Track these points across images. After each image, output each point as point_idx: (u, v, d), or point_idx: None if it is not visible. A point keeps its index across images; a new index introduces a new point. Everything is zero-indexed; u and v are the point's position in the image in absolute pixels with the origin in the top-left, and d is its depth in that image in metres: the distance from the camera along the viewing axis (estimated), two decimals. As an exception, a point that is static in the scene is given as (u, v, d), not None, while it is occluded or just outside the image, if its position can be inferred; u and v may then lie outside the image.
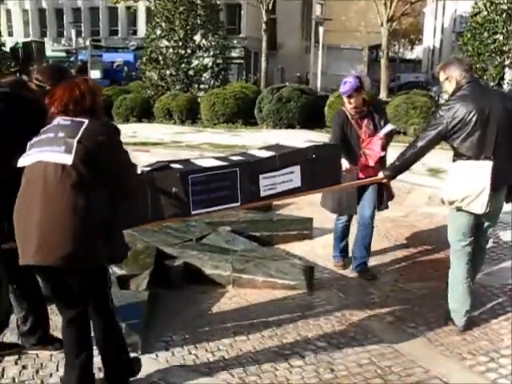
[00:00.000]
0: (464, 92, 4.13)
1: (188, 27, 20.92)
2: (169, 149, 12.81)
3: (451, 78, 4.23)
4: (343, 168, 4.96)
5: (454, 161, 4.23)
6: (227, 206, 4.03)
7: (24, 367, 3.88)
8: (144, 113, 19.02)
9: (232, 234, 6.30)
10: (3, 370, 3.86)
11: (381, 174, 4.83)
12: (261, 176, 4.03)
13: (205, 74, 21.43)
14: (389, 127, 5.38)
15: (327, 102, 15.92)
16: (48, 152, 3.00)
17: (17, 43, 37.82)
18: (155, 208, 3.76)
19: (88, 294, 3.31)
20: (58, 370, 3.81)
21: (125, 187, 3.26)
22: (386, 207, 5.71)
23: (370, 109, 5.49)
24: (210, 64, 21.47)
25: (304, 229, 6.88)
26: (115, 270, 5.06)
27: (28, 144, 3.13)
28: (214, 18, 21.90)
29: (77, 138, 2.98)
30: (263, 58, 27.68)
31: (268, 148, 4.63)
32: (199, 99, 18.66)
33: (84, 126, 3.03)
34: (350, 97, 5.32)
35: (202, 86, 21.33)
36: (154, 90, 20.72)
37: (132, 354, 3.78)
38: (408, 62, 68.28)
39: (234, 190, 3.94)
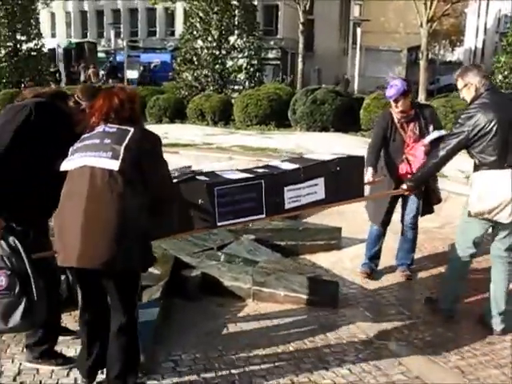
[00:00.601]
0: (484, 100, 4.09)
1: (223, 28, 20.73)
2: (199, 150, 12.57)
3: (470, 86, 4.19)
4: (365, 180, 4.88)
5: (475, 170, 4.20)
6: (252, 217, 4.02)
7: (22, 384, 3.65)
8: (177, 113, 18.85)
9: (255, 243, 6.00)
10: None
11: (404, 186, 4.70)
12: (286, 188, 4.01)
13: (239, 75, 21.21)
14: (435, 134, 5.04)
15: (363, 104, 15.46)
16: (94, 157, 3.05)
17: (70, 43, 38.25)
18: (182, 219, 3.76)
19: (118, 297, 3.26)
20: (57, 389, 3.57)
21: (162, 197, 3.29)
22: (430, 212, 5.55)
23: (417, 112, 5.22)
24: (245, 65, 21.23)
25: (332, 239, 6.54)
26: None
27: (70, 149, 3.20)
28: (249, 18, 21.65)
29: (124, 145, 3.05)
30: (300, 59, 27.22)
31: (292, 160, 4.56)
32: (232, 100, 18.40)
33: (130, 134, 3.10)
34: (396, 101, 5.11)
35: (236, 87, 21.12)
36: (188, 91, 20.55)
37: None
38: (448, 64, 66.72)
39: (259, 202, 3.92)
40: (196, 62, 20.73)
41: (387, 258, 5.76)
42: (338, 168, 4.22)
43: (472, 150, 4.13)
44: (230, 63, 21.14)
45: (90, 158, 3.07)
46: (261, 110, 16.71)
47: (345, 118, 15.65)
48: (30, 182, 3.43)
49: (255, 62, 21.73)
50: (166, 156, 9.60)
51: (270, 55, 36.39)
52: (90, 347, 3.48)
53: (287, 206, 4.06)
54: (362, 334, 4.37)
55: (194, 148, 12.97)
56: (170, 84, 23.69)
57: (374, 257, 5.66)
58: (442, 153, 4.24)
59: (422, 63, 22.78)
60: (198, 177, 3.95)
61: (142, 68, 38.10)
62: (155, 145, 3.24)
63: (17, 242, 3.18)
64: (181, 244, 5.87)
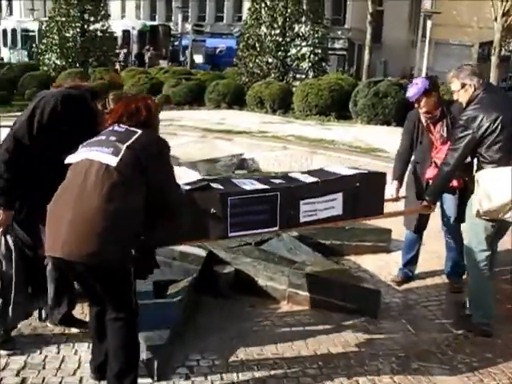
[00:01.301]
0: (483, 100, 4.02)
1: (288, 15, 20.27)
2: (253, 138, 12.25)
3: (468, 87, 4.08)
4: (389, 195, 4.77)
5: (479, 169, 4.11)
6: (265, 230, 3.87)
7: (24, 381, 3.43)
8: (236, 100, 18.54)
9: (296, 241, 5.62)
10: (1, 380, 3.43)
11: (425, 202, 4.50)
12: (301, 202, 3.85)
13: (302, 64, 20.72)
14: None
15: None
16: (96, 152, 3.03)
17: (145, 25, 38.53)
18: (193, 227, 3.62)
19: (108, 295, 3.15)
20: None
21: (166, 203, 3.19)
22: None
23: (443, 111, 4.78)
24: (308, 53, 20.74)
25: (380, 240, 6.11)
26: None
27: (80, 146, 3.18)
28: (315, 6, 21.08)
29: (127, 144, 3.00)
30: (366, 51, 26.41)
31: (312, 173, 4.30)
32: (293, 89, 17.95)
33: (137, 135, 3.05)
34: (417, 101, 4.74)
35: (298, 76, 20.64)
36: (249, 77, 20.19)
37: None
38: (524, 61, 63.95)
39: (273, 215, 3.77)
40: (258, 49, 20.34)
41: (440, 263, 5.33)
42: (358, 184, 4.03)
43: (477, 148, 4.04)
44: (293, 51, 20.68)
45: (91, 152, 3.05)
46: (321, 100, 16.20)
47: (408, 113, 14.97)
48: (42, 170, 3.52)
49: (319, 51, 21.16)
50: (218, 143, 9.45)
51: (337, 45, 35.62)
52: (99, 343, 3.34)
53: (302, 220, 3.89)
54: (401, 351, 3.94)
55: (249, 136, 12.64)
56: (231, 70, 23.41)
57: (410, 263, 5.24)
58: (453, 161, 4.13)
59: (494, 59, 21.68)
60: (212, 185, 3.79)
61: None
62: (162, 149, 3.16)
63: (12, 245, 3.57)
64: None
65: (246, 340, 4.06)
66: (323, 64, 21.81)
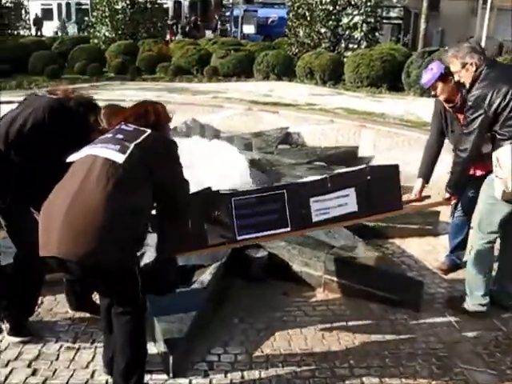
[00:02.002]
0: (489, 76, 3.75)
1: (339, -18, 19.53)
2: (300, 112, 11.79)
3: (469, 66, 3.81)
4: (412, 196, 4.57)
5: (497, 146, 3.75)
6: (277, 231, 3.59)
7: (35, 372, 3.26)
8: (285, 71, 18.01)
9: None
10: (11, 371, 3.26)
11: (447, 194, 4.20)
12: (311, 199, 3.64)
13: (354, 33, 19.97)
14: None
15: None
16: (101, 148, 2.85)
17: None
18: (197, 234, 3.37)
19: (111, 292, 2.98)
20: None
21: (175, 201, 3.06)
22: None
23: (464, 97, 4.22)
24: (360, 22, 19.96)
25: (427, 223, 5.70)
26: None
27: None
28: (368, -28, 20.22)
29: (135, 142, 2.83)
30: (423, 19, 25.34)
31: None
32: (344, 60, 17.33)
33: (145, 135, 2.89)
34: (433, 88, 4.34)
35: (349, 46, 19.93)
36: (299, 48, 19.58)
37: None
38: None
39: (283, 214, 3.57)
40: (309, 18, 19.69)
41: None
42: (369, 178, 3.79)
43: (492, 127, 3.76)
44: (344, 20, 19.92)
45: (96, 148, 2.87)
46: (373, 71, 15.52)
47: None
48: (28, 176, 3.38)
49: (372, 19, 20.35)
50: (264, 115, 9.08)
51: (392, 14, 34.33)
52: (110, 335, 3.14)
53: (315, 219, 3.66)
54: (443, 350, 3.58)
55: (296, 108, 12.19)
56: (281, 40, 22.82)
57: (458, 248, 4.83)
58: (469, 145, 3.84)
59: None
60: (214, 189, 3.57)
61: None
62: (170, 148, 3.00)
63: None
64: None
65: (274, 332, 3.79)
66: (376, 33, 20.99)
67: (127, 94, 13.67)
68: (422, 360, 3.47)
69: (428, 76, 4.34)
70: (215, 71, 18.27)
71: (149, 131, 2.91)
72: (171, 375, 3.21)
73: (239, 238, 3.45)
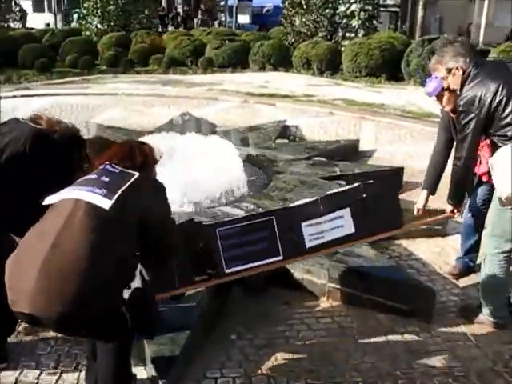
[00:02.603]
0: (476, 76, 3.52)
1: (336, -32, 19.13)
2: (297, 103, 11.45)
3: (455, 70, 3.60)
4: (415, 211, 4.28)
5: (493, 146, 3.53)
6: (268, 260, 3.38)
7: None
8: (282, 61, 17.63)
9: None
10: None
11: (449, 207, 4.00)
12: (303, 224, 3.43)
13: (351, 22, 19.57)
14: None
15: (488, 57, 13.61)
16: (85, 191, 2.54)
17: None
18: (182, 270, 3.18)
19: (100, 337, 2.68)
20: None
21: (165, 248, 2.82)
22: None
23: None
24: (358, 10, 19.56)
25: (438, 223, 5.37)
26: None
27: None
28: (365, -42, 19.80)
29: (123, 188, 2.56)
30: (420, 6, 24.89)
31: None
32: (342, 49, 16.95)
33: (133, 178, 2.63)
34: (439, 98, 3.85)
35: (347, 35, 19.56)
36: (296, 37, 19.22)
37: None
38: None
39: (273, 242, 3.36)
40: (305, 6, 19.28)
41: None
42: (365, 195, 3.57)
43: (488, 130, 3.53)
44: (341, 8, 19.52)
45: (78, 191, 2.57)
46: (371, 60, 15.17)
47: (466, 73, 13.88)
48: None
49: (369, 7, 19.95)
50: (261, 108, 8.73)
51: (389, 1, 33.88)
52: (94, 361, 2.84)
53: (309, 245, 3.46)
54: (460, 368, 3.27)
55: (293, 100, 11.84)
56: (277, 30, 22.41)
57: (471, 251, 4.51)
58: (463, 152, 3.64)
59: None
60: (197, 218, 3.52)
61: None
62: (159, 193, 2.77)
63: None
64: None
65: (275, 350, 3.48)
66: (374, 22, 20.59)
67: (120, 87, 13.34)
68: (438, 381, 3.16)
69: (433, 84, 3.83)
70: (210, 62, 17.88)
71: (136, 174, 2.65)
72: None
73: (227, 271, 3.24)
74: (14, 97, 12.12)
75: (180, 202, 5.49)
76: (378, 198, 3.62)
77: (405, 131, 8.74)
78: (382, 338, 3.62)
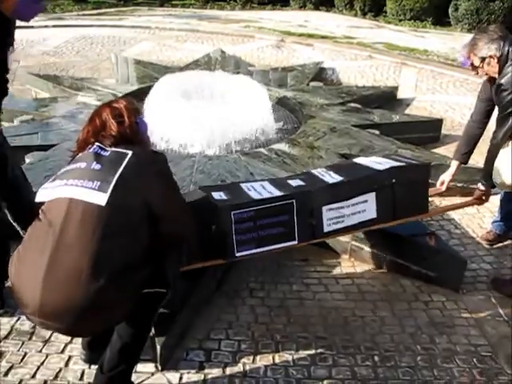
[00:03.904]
0: None
1: None
2: (336, 45, 10.91)
3: (488, 59, 3.39)
4: (438, 183, 4.03)
5: None
6: (281, 245, 3.07)
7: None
8: (323, 0, 16.94)
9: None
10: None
11: (480, 186, 3.75)
12: (324, 208, 3.11)
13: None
14: None
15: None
16: (76, 187, 2.22)
17: None
18: (191, 251, 2.89)
19: None
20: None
21: (178, 230, 2.45)
22: None
23: None
24: None
25: (473, 181, 4.98)
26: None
27: (53, 176, 2.37)
28: None
29: (117, 174, 2.22)
30: None
31: (338, 167, 3.52)
32: (388, -11, 16.10)
33: (127, 159, 2.28)
34: (474, 68, 3.53)
35: (394, -26, 18.58)
36: (340, -25, 18.39)
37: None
38: None
39: (290, 226, 3.05)
40: None
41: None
42: (394, 180, 3.27)
43: None
44: None
45: (70, 187, 2.23)
46: (417, 2, 14.34)
47: None
48: None
49: None
50: (298, 48, 8.30)
51: None
52: None
53: (327, 229, 3.16)
54: (487, 348, 2.98)
55: (332, 41, 11.29)
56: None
57: (509, 215, 4.11)
58: (503, 131, 3.39)
59: None
60: (213, 193, 3.08)
61: None
62: (162, 169, 2.40)
63: None
64: (271, 168, 4.68)
65: (288, 312, 3.25)
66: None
67: (153, 20, 12.94)
68: (461, 361, 2.88)
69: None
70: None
71: (130, 153, 2.29)
72: (159, 367, 2.70)
73: (238, 254, 2.96)
74: (46, 27, 11.85)
75: (203, 144, 5.22)
76: (408, 184, 3.32)
77: (447, 80, 8.22)
78: (404, 307, 3.34)
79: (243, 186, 3.27)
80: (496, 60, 3.36)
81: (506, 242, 4.09)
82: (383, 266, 3.78)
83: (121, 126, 2.38)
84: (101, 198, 2.16)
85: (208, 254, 2.99)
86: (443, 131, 6.39)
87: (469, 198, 3.98)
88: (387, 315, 3.25)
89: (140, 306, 2.29)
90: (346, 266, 3.82)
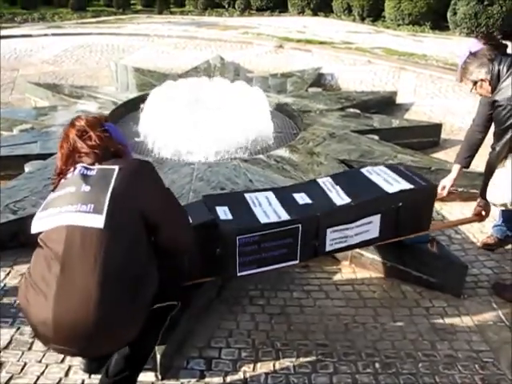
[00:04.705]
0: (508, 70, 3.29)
1: None
2: (335, 50, 10.93)
3: (480, 82, 3.42)
4: (440, 187, 3.97)
5: None
6: (282, 264, 3.08)
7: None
8: (322, 5, 16.88)
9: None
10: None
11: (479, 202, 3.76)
12: (329, 230, 3.10)
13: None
14: None
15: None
16: (71, 213, 2.15)
17: None
18: (193, 268, 2.88)
19: None
20: None
21: (179, 239, 2.41)
22: None
23: None
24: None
25: (474, 186, 4.98)
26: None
27: (43, 203, 2.30)
28: None
29: (109, 192, 2.17)
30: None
31: (346, 183, 3.42)
32: (386, -6, 16.14)
33: (115, 174, 2.22)
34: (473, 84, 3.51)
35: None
36: (338, -19, 18.45)
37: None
38: None
39: (293, 247, 3.05)
40: None
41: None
42: (401, 204, 3.25)
43: None
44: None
45: (65, 214, 2.16)
46: (416, 7, 14.39)
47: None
48: None
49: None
50: (296, 54, 8.30)
51: None
52: None
53: (328, 249, 3.16)
54: (489, 354, 2.96)
55: (330, 47, 11.31)
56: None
57: (510, 219, 4.06)
58: (501, 145, 3.36)
59: None
60: (218, 208, 3.07)
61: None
62: (151, 177, 2.33)
63: None
64: (271, 174, 4.68)
65: (289, 319, 3.23)
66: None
67: (152, 27, 12.98)
68: (463, 367, 2.85)
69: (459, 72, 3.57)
70: (248, 5, 17.30)
71: (116, 168, 2.23)
72: (159, 377, 2.69)
73: (239, 274, 2.98)
74: (45, 35, 11.89)
75: (202, 151, 5.22)
76: (413, 206, 3.31)
77: (446, 84, 8.22)
78: (405, 313, 3.33)
79: (247, 197, 3.26)
80: (487, 83, 3.37)
81: (507, 247, 4.07)
82: (384, 272, 3.76)
83: (89, 141, 2.33)
84: (98, 221, 2.12)
85: (209, 271, 3.00)
86: (443, 136, 6.40)
87: (469, 216, 3.98)
88: (388, 321, 3.24)
89: (151, 320, 2.28)
90: (347, 272, 3.80)
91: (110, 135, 2.40)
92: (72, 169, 2.29)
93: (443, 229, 3.97)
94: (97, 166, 2.27)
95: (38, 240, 2.21)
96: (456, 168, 3.96)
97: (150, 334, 2.37)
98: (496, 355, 2.96)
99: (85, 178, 2.24)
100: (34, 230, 2.24)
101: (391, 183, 3.35)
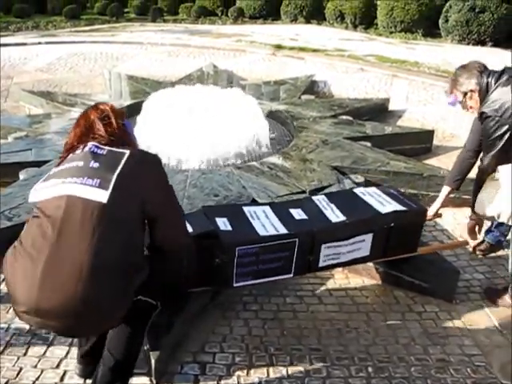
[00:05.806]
0: (499, 88, 3.29)
1: None
2: (328, 58, 10.97)
3: (470, 93, 3.43)
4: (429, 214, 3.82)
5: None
6: (277, 277, 3.18)
7: None
8: (315, 13, 17.05)
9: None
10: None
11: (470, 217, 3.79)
12: (323, 246, 3.18)
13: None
14: None
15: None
16: (76, 184, 2.16)
17: None
18: (189, 276, 2.88)
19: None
20: None
21: (173, 237, 2.41)
22: None
23: None
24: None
25: (466, 192, 5.00)
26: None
27: (45, 175, 2.32)
28: None
29: (116, 172, 2.19)
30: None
31: (341, 202, 3.49)
32: (377, 2, 16.26)
33: (125, 158, 2.25)
34: (464, 106, 3.56)
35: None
36: (331, -12, 18.58)
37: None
38: None
39: (289, 261, 3.14)
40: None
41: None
42: (392, 224, 3.34)
43: None
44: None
45: (69, 184, 2.16)
46: (408, 14, 14.51)
47: (509, 31, 13.16)
48: None
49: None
50: (289, 61, 8.34)
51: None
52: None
53: (322, 264, 3.25)
54: (481, 358, 2.98)
55: (323, 54, 11.36)
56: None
57: (502, 224, 3.98)
58: (488, 159, 3.38)
59: None
60: (217, 219, 3.12)
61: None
62: (158, 168, 2.37)
63: None
64: (264, 181, 4.70)
65: (282, 324, 3.25)
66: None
67: (145, 35, 13.00)
68: (455, 371, 2.88)
69: (452, 98, 3.57)
70: (241, 13, 17.38)
71: (127, 152, 2.26)
72: (154, 382, 2.70)
73: (235, 284, 3.04)
74: (39, 43, 11.91)
75: (196, 158, 5.25)
76: (404, 227, 3.39)
77: (438, 91, 8.26)
78: (397, 318, 3.36)
79: (246, 210, 3.31)
80: (477, 94, 3.41)
81: (498, 253, 4.09)
82: (376, 278, 3.79)
83: (109, 127, 2.36)
84: (102, 196, 2.12)
85: (206, 281, 3.04)
86: (435, 142, 6.45)
87: (458, 241, 4.14)
88: (381, 326, 3.27)
89: (132, 314, 2.28)
90: (340, 277, 3.83)
91: (126, 130, 2.45)
92: (82, 146, 2.31)
93: (433, 251, 3.96)
94: (108, 148, 2.29)
95: (34, 209, 2.21)
96: (446, 190, 3.96)
97: (129, 338, 2.37)
98: (488, 359, 2.99)
99: (94, 155, 2.25)
100: (32, 199, 2.25)
101: (384, 204, 3.43)
